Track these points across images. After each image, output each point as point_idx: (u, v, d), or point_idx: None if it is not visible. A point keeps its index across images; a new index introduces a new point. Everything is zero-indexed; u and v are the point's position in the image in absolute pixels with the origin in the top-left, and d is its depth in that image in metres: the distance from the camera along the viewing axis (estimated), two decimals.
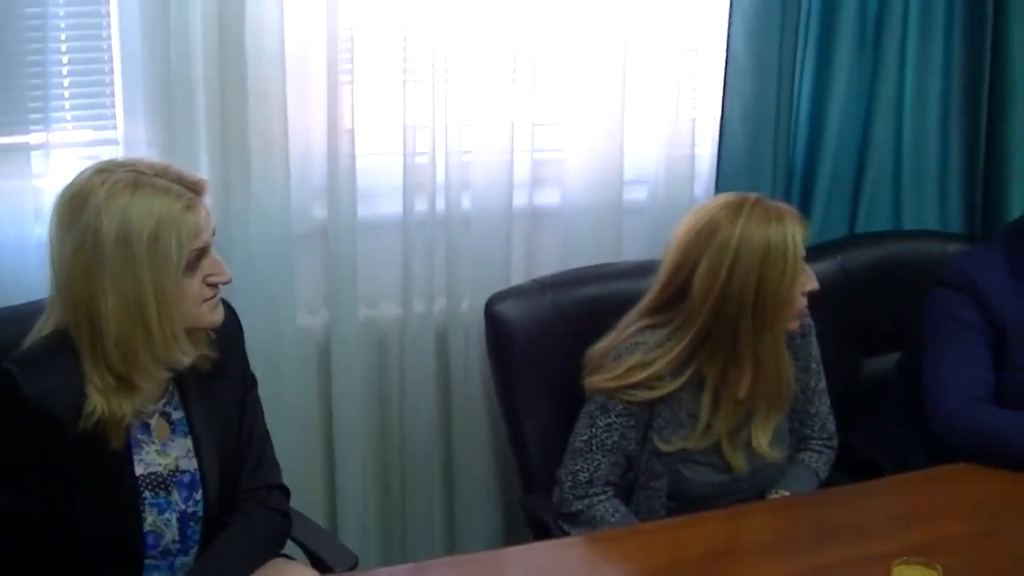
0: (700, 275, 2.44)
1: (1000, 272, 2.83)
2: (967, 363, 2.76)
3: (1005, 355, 2.80)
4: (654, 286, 2.55)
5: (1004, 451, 2.60)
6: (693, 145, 3.25)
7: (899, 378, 3.11)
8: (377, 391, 3.12)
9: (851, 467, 2.87)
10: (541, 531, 2.64)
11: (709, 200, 2.55)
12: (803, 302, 2.55)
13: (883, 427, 3.11)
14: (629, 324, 2.55)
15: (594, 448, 2.50)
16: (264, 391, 2.36)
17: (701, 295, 2.44)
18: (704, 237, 2.44)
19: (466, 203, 3.04)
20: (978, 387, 2.73)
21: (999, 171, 3.62)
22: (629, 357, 2.48)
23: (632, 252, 3.11)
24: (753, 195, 2.51)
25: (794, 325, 2.59)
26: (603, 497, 2.52)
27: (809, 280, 2.54)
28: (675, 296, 2.50)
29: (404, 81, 2.89)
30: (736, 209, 2.45)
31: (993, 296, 2.79)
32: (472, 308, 2.99)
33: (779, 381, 2.56)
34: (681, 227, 2.52)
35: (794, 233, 2.45)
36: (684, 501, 2.53)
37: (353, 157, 2.88)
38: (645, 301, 2.56)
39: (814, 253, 3.18)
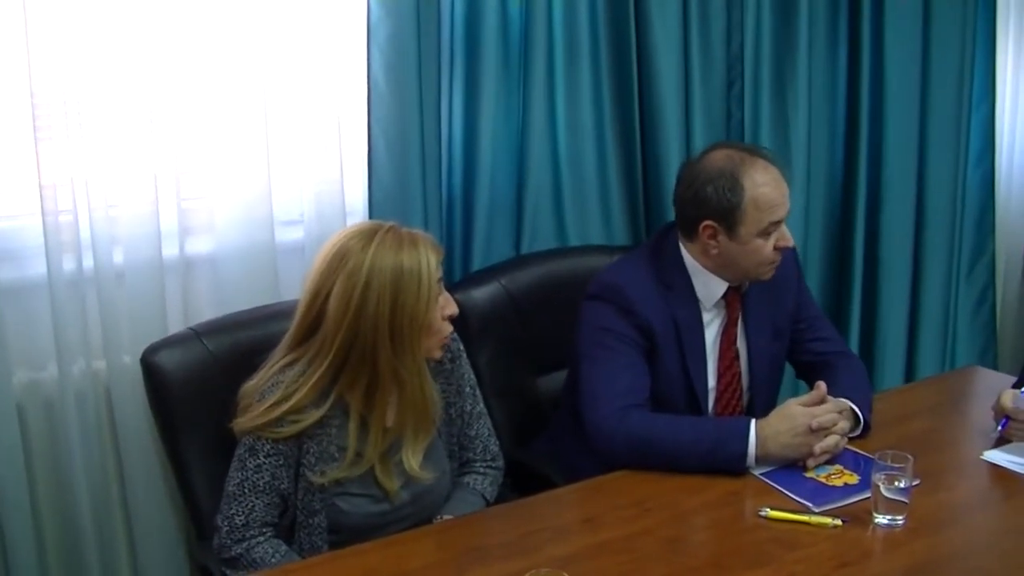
0: (333, 302, 2.45)
1: (646, 281, 2.91)
2: (619, 372, 2.82)
3: (655, 362, 2.89)
4: (294, 320, 2.55)
5: (657, 454, 2.67)
6: (342, 181, 3.26)
7: (566, 392, 3.16)
8: (46, 453, 3.04)
9: (528, 485, 2.90)
10: None
11: (343, 230, 2.55)
12: (447, 327, 2.59)
13: (556, 442, 3.17)
14: (274, 362, 2.55)
15: (247, 491, 2.49)
16: None
17: (335, 321, 2.45)
18: (335, 265, 2.46)
19: (118, 257, 2.99)
20: (631, 394, 2.79)
21: (657, 181, 3.75)
22: (272, 395, 2.48)
23: (291, 292, 3.08)
24: (388, 223, 2.54)
25: (437, 354, 2.62)
26: (261, 539, 2.50)
27: (448, 304, 2.58)
28: (312, 327, 2.51)
29: (36, 139, 2.81)
30: (368, 236, 2.48)
31: (640, 304, 2.86)
32: (134, 362, 2.92)
33: (424, 403, 2.58)
34: (315, 259, 2.53)
35: (428, 257, 2.48)
36: (347, 534, 2.53)
37: None
38: (287, 336, 2.57)
39: (478, 278, 3.28)
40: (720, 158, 2.82)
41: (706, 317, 2.93)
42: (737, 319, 2.97)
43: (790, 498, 2.53)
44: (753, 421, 2.66)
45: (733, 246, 2.81)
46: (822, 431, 2.66)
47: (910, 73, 4.26)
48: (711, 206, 2.78)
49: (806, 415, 2.66)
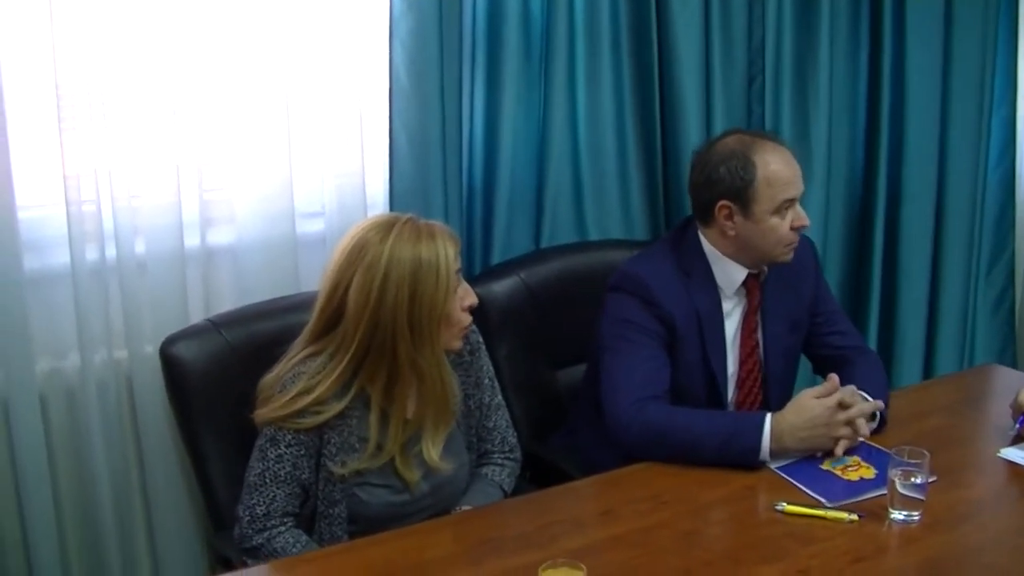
0: (353, 295, 2.46)
1: (667, 272, 2.93)
2: (640, 364, 2.83)
3: (676, 352, 2.90)
4: (314, 312, 2.56)
5: (672, 445, 2.67)
6: (363, 173, 3.28)
7: (585, 385, 3.18)
8: (68, 442, 3.05)
9: (546, 479, 2.91)
10: (230, 569, 2.61)
11: (361, 223, 2.56)
12: (466, 318, 2.60)
13: (574, 436, 3.19)
14: (295, 353, 2.56)
15: (268, 481, 2.50)
16: None
17: (355, 314, 2.46)
18: (354, 257, 2.47)
19: (140, 247, 3.01)
20: (650, 386, 2.80)
21: (677, 176, 3.75)
22: (293, 386, 2.49)
23: (312, 284, 3.07)
24: (405, 215, 2.55)
25: (457, 345, 2.63)
26: (282, 529, 2.51)
27: (467, 295, 2.59)
28: (333, 319, 2.52)
29: (60, 130, 2.83)
30: (386, 229, 2.49)
31: (661, 295, 2.87)
32: (156, 352, 2.93)
33: (444, 393, 2.59)
34: (334, 251, 2.55)
35: (446, 248, 2.49)
36: (366, 525, 2.55)
37: (14, 209, 2.81)
38: (307, 328, 2.58)
39: (497, 271, 3.29)
40: (731, 142, 2.86)
41: (726, 307, 2.95)
42: (757, 307, 2.99)
43: (804, 493, 2.53)
44: (769, 415, 2.67)
45: (749, 225, 2.83)
46: (843, 416, 2.65)
47: (931, 71, 4.25)
48: (724, 185, 2.82)
49: (821, 406, 2.65)
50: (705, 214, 2.91)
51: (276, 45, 3.08)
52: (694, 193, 2.94)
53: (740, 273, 2.93)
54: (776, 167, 2.80)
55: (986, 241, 4.65)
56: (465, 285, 2.60)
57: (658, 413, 2.74)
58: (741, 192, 2.81)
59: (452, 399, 2.64)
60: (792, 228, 2.84)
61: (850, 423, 2.66)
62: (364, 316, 2.46)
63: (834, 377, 2.72)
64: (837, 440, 2.64)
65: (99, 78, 2.86)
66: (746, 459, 2.64)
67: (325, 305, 2.53)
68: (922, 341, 4.52)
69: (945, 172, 4.41)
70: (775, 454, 2.65)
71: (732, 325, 2.98)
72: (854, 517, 2.42)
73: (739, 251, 2.89)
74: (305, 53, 3.15)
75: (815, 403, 2.67)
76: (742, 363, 3.00)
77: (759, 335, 3.02)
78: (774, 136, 2.91)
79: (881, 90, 4.19)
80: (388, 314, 2.45)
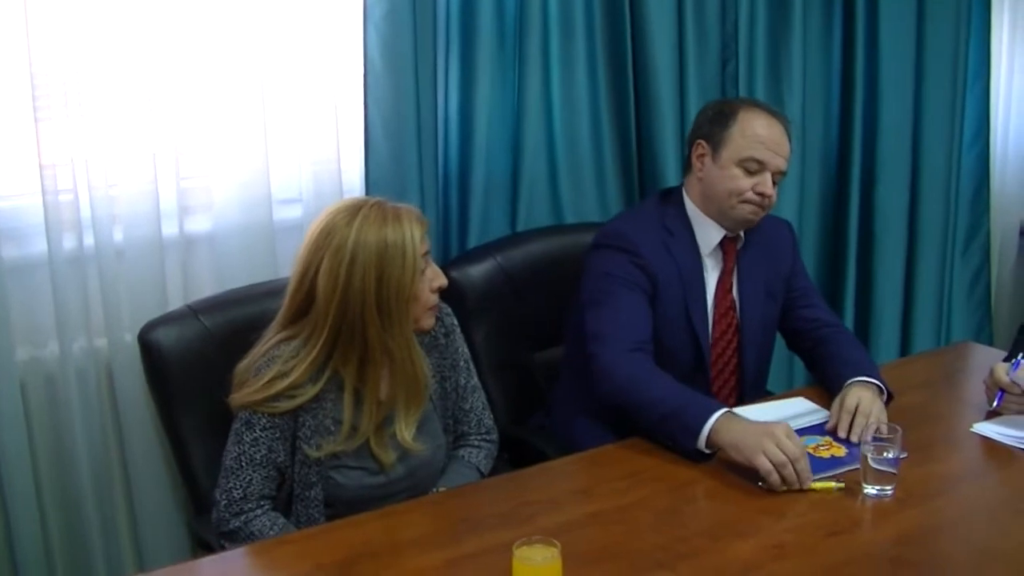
0: (322, 279, 2.48)
1: (652, 227, 3.00)
2: (622, 313, 2.87)
3: (658, 309, 2.94)
4: (286, 297, 2.59)
5: (633, 402, 2.72)
6: (339, 160, 3.29)
7: (564, 363, 3.22)
8: (48, 431, 3.06)
9: (524, 462, 2.90)
10: (211, 553, 2.62)
11: (329, 207, 2.58)
12: (433, 299, 2.62)
13: (553, 416, 3.21)
14: (269, 338, 2.58)
15: (244, 464, 2.52)
16: None
17: (325, 298, 2.48)
18: (322, 242, 2.49)
19: (118, 236, 3.02)
20: (635, 333, 2.84)
21: (652, 157, 3.79)
22: (268, 370, 2.51)
23: (289, 270, 3.10)
24: (373, 199, 2.58)
25: (428, 323, 2.65)
26: (259, 512, 2.53)
27: (437, 276, 2.62)
28: (304, 304, 2.54)
29: (36, 119, 2.83)
30: (353, 212, 2.51)
31: (645, 248, 2.93)
32: (135, 340, 2.94)
33: (415, 374, 2.61)
34: (305, 236, 2.56)
35: (412, 231, 2.51)
36: (343, 507, 2.56)
37: None
38: (280, 313, 2.60)
39: (473, 255, 3.30)
40: (739, 100, 3.05)
41: (706, 266, 3.01)
42: (732, 269, 3.04)
43: None
44: (725, 409, 2.59)
45: (714, 170, 2.93)
46: (780, 456, 2.45)
47: (904, 51, 4.28)
48: (705, 126, 2.96)
49: (783, 426, 2.51)
50: (687, 161, 3.02)
51: (251, 32, 3.08)
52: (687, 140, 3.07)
53: (717, 234, 2.99)
54: (758, 127, 2.89)
55: (961, 219, 4.68)
56: (434, 267, 2.63)
57: (636, 366, 2.78)
58: (715, 133, 2.92)
59: (423, 380, 2.65)
60: (755, 192, 2.89)
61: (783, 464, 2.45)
62: (333, 300, 2.48)
63: None
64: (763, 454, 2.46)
65: (74, 67, 2.86)
66: (682, 439, 2.59)
67: (296, 290, 2.56)
68: (899, 320, 4.55)
69: (919, 151, 4.44)
70: (712, 445, 2.57)
71: (710, 287, 3.02)
72: (841, 485, 2.45)
73: (706, 201, 2.97)
74: (280, 40, 3.16)
75: (784, 427, 2.51)
76: (716, 323, 3.03)
77: (735, 295, 3.05)
78: (781, 116, 2.99)
79: (855, 70, 4.22)
80: (356, 297, 2.47)
